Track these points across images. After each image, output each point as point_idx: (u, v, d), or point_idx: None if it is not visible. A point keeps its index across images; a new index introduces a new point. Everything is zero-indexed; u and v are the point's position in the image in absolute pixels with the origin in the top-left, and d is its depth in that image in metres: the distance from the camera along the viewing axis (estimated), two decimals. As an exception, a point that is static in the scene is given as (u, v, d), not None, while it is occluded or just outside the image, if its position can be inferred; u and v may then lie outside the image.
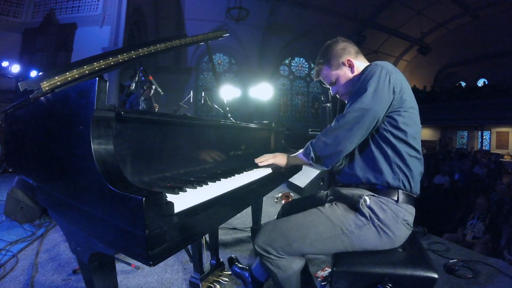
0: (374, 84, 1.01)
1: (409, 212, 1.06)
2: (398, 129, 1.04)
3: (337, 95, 1.28)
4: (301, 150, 1.19)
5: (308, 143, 1.13)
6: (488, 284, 1.81)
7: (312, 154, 1.10)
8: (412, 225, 1.08)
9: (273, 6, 13.02)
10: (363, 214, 1.04)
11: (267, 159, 1.32)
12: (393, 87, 1.02)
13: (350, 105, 1.04)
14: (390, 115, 1.04)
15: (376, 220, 1.02)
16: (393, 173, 1.04)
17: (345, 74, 1.19)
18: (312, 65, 15.18)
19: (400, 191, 1.04)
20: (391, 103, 1.02)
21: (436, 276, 0.95)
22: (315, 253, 1.12)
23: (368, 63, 1.16)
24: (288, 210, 1.42)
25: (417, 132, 1.08)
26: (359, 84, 1.05)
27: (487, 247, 3.44)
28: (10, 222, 2.67)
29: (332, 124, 1.05)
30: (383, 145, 1.05)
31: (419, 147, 1.08)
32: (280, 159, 1.31)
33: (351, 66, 1.18)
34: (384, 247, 1.05)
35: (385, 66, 1.05)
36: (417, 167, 1.07)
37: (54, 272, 1.83)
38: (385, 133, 1.05)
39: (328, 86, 1.29)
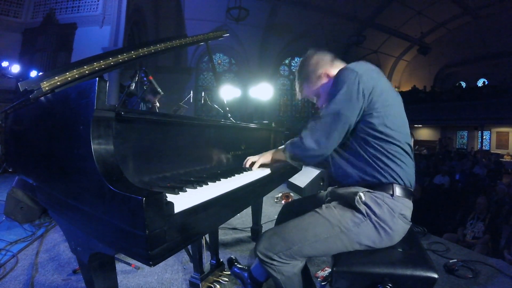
0: (344, 89, 1.02)
1: (406, 206, 1.06)
2: (378, 132, 1.04)
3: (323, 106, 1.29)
4: (282, 146, 1.23)
5: (290, 141, 1.16)
6: (488, 284, 1.81)
7: (288, 153, 1.15)
8: (410, 220, 1.08)
9: (273, 6, 13.03)
10: (359, 211, 1.04)
11: (249, 160, 1.33)
12: (363, 90, 1.01)
13: (321, 111, 1.06)
14: (365, 119, 1.04)
15: (373, 216, 1.02)
16: (385, 173, 1.04)
17: (326, 84, 1.21)
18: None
19: (395, 185, 1.05)
20: (362, 107, 1.03)
21: (436, 276, 0.95)
22: (315, 255, 1.12)
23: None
24: (288, 211, 1.42)
25: (401, 127, 1.07)
26: (331, 89, 1.07)
27: (487, 247, 3.44)
28: (10, 222, 2.67)
29: (308, 126, 1.08)
30: (369, 148, 1.05)
31: (405, 141, 1.07)
32: (265, 157, 1.32)
33: (329, 76, 1.20)
34: (383, 242, 1.05)
35: (355, 68, 1.04)
36: (409, 162, 1.08)
37: (54, 272, 1.83)
38: (367, 137, 1.05)
39: (315, 102, 1.30)
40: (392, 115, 1.06)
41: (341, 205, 1.10)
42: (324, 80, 1.21)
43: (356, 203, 1.04)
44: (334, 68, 1.20)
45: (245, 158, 1.34)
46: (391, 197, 1.03)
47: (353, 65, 1.07)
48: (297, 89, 1.31)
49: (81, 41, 8.91)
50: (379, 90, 1.04)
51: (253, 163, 1.32)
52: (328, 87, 1.20)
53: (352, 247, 1.05)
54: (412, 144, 1.11)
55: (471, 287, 1.78)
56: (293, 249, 1.05)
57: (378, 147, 1.04)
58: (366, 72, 1.04)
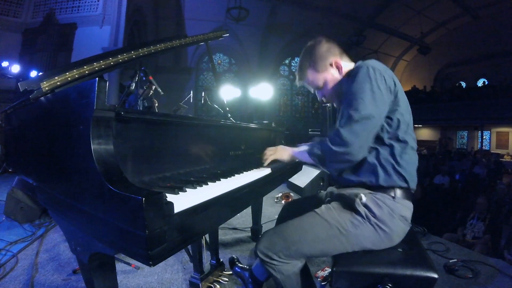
0: (372, 87, 0.98)
1: (406, 207, 1.05)
2: (394, 128, 1.03)
3: (323, 99, 1.23)
4: (305, 147, 1.16)
5: (316, 142, 1.10)
6: (488, 284, 1.81)
7: (319, 154, 1.07)
8: (410, 221, 1.08)
9: (273, 6, 13.02)
10: (359, 213, 1.03)
11: (269, 157, 1.34)
12: (389, 87, 1.00)
13: (348, 111, 0.99)
14: (389, 115, 1.03)
15: (372, 218, 1.01)
16: (388, 175, 1.03)
17: (333, 76, 1.15)
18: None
19: (397, 187, 1.04)
20: (389, 103, 1.01)
21: (436, 276, 0.95)
22: (315, 255, 1.11)
23: (354, 63, 1.14)
24: (289, 211, 1.42)
25: (410, 125, 1.07)
26: (354, 88, 1.00)
27: (487, 247, 3.44)
28: (10, 222, 2.67)
29: (338, 132, 0.99)
30: (378, 147, 1.04)
31: (413, 139, 1.06)
32: (281, 154, 1.32)
33: (338, 68, 1.14)
34: (382, 244, 1.04)
35: (376, 66, 1.01)
36: (413, 162, 1.06)
37: (54, 272, 1.83)
38: (381, 133, 1.03)
39: (313, 91, 1.23)
40: (407, 112, 1.06)
41: (341, 206, 1.09)
42: (333, 71, 1.14)
43: (356, 205, 1.04)
44: (343, 61, 1.15)
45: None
46: (392, 199, 1.03)
47: (370, 62, 1.03)
48: (298, 74, 1.21)
49: (81, 41, 8.91)
50: (399, 86, 1.03)
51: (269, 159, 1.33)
52: (335, 79, 1.15)
53: (351, 248, 1.04)
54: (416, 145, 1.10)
55: (471, 287, 1.78)
56: (293, 248, 1.05)
57: (391, 146, 1.02)
58: (385, 69, 1.03)
